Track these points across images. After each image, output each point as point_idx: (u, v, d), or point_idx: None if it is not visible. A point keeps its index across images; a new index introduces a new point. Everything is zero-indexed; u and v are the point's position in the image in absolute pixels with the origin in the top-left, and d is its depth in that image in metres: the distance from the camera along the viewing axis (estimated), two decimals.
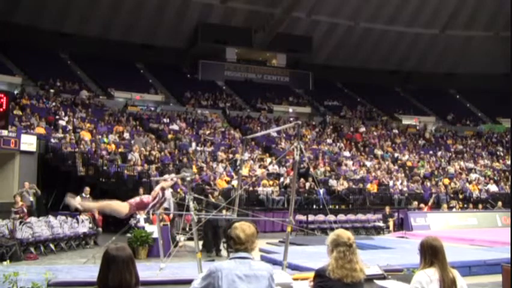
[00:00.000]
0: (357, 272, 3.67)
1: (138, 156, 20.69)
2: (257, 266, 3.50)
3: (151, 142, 23.35)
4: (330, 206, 20.35)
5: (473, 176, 26.95)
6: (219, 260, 11.12)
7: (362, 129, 32.16)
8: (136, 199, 8.08)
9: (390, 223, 19.56)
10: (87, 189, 16.01)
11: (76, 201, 8.51)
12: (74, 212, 15.24)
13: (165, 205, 14.04)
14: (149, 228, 12.69)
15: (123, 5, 33.02)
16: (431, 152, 30.75)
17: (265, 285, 3.46)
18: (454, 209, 22.30)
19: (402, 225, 19.26)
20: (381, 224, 19.60)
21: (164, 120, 27.65)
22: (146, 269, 8.45)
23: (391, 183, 23.98)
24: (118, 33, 34.04)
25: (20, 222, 12.15)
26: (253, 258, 3.51)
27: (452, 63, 39.90)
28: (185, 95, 33.56)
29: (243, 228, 3.56)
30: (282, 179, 21.72)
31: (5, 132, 17.93)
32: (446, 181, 25.72)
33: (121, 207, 7.70)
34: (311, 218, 18.80)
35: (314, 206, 20.14)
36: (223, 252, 12.14)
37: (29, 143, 19.15)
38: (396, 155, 29.08)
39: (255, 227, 3.62)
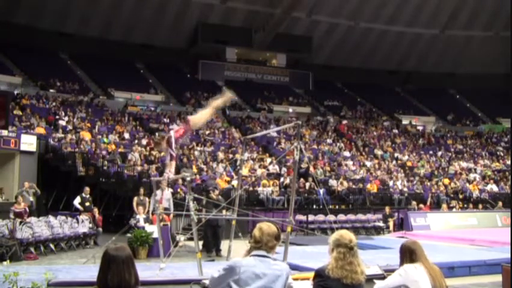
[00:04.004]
0: (357, 274, 3.67)
1: (138, 156, 20.70)
2: (276, 266, 3.52)
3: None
4: (330, 206, 20.28)
5: (473, 176, 26.94)
6: (219, 260, 11.15)
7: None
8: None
9: (390, 223, 19.55)
10: (87, 189, 16.01)
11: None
12: (74, 212, 15.27)
13: (165, 205, 14.13)
14: (149, 228, 12.68)
15: (123, 5, 33.03)
16: (431, 152, 30.75)
17: (281, 284, 3.49)
18: (454, 209, 22.28)
19: (402, 225, 19.26)
20: (381, 224, 19.57)
21: (164, 120, 27.64)
22: (146, 269, 8.44)
23: (391, 183, 23.98)
24: (118, 33, 34.05)
25: (20, 222, 12.14)
26: (273, 258, 3.53)
27: (452, 63, 39.88)
28: (185, 95, 33.54)
29: (261, 226, 3.58)
30: (282, 179, 21.69)
31: (5, 132, 17.93)
32: (446, 181, 25.70)
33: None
34: (311, 218, 18.76)
35: (314, 206, 20.10)
36: (223, 252, 12.12)
37: (29, 143, 19.12)
38: (396, 155, 29.08)
39: (276, 227, 3.62)
